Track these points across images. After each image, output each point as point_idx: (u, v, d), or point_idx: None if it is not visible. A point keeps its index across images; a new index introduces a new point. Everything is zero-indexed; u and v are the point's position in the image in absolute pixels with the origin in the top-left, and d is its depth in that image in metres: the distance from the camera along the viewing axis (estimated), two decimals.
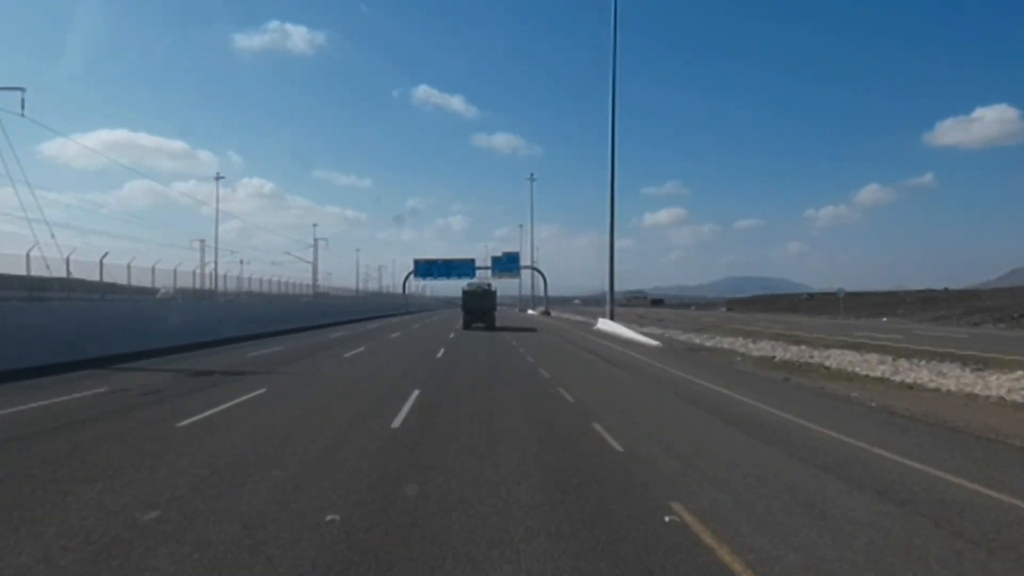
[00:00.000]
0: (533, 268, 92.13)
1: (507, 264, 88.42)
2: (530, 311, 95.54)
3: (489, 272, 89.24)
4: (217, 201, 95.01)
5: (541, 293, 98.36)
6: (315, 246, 78.96)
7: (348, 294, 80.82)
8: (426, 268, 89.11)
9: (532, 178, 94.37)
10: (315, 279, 74.10)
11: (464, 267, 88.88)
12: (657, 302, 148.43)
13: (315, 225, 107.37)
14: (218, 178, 65.27)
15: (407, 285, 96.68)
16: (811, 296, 76.54)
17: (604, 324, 40.98)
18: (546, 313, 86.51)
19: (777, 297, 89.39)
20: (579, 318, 65.68)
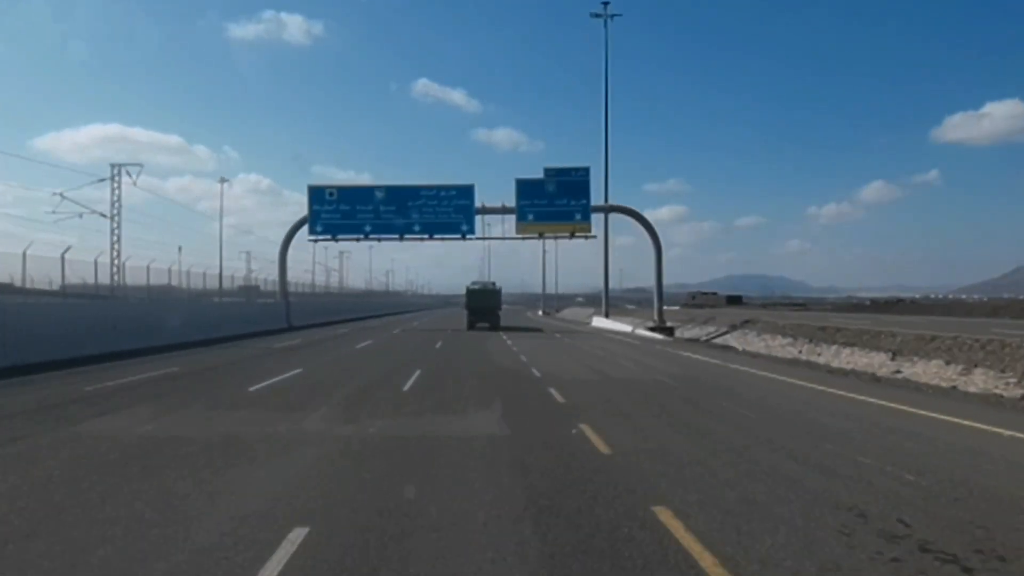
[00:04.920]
0: (621, 210, 35.56)
1: (559, 200, 32.92)
2: (606, 323, 40.10)
3: (513, 221, 33.58)
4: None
5: (612, 281, 42.19)
6: None
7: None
8: (341, 208, 33.19)
9: (606, 13, 38.42)
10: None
11: (444, 206, 33.37)
12: (734, 300, 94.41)
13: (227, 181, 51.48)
14: None
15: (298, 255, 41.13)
16: None
17: None
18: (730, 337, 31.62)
19: None
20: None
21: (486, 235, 34.27)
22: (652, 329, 32.91)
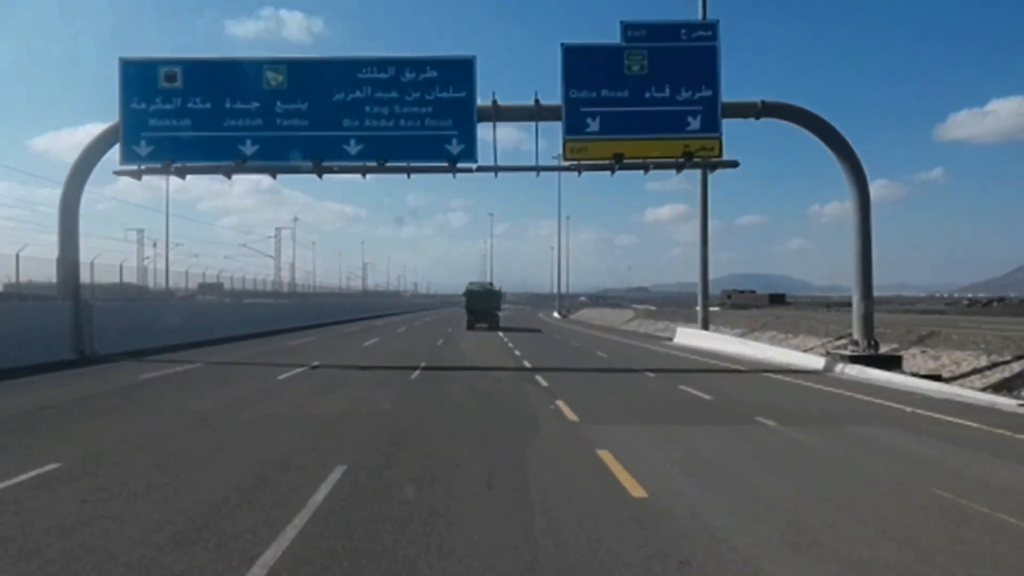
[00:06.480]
0: (787, 112, 17.34)
1: (655, 90, 15.38)
2: (722, 343, 22.70)
3: (559, 136, 15.63)
4: None
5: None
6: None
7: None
8: (191, 107, 15.33)
9: None
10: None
11: (412, 103, 15.38)
12: (777, 299, 78.04)
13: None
14: None
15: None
16: None
17: None
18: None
19: None
20: None
21: (498, 164, 16.39)
22: (859, 359, 15.28)
